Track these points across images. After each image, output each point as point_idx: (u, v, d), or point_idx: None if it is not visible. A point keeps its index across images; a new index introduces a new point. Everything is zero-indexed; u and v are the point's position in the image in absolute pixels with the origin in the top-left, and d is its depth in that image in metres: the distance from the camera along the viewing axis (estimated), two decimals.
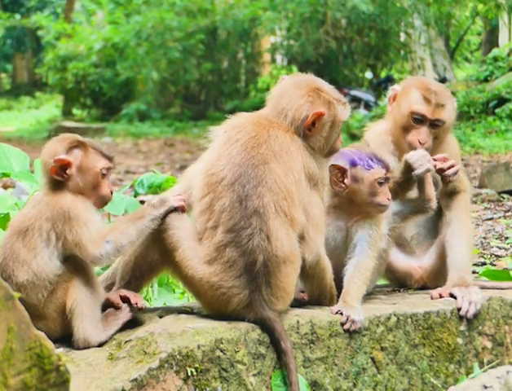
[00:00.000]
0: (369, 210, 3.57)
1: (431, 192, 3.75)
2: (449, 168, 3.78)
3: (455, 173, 3.79)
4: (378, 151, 3.70)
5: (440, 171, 3.79)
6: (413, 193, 3.80)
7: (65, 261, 3.09)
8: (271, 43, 30.20)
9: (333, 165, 3.53)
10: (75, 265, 3.10)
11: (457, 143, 4.14)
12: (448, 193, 3.92)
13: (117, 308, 3.22)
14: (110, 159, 3.29)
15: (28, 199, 4.42)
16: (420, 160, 3.69)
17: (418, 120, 3.88)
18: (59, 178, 3.16)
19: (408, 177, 3.73)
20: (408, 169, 3.71)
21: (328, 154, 3.48)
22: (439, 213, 3.93)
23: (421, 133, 3.87)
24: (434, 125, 3.89)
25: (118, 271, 3.42)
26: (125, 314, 3.21)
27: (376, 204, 3.54)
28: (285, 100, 3.39)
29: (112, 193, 3.28)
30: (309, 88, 3.40)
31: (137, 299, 3.26)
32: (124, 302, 3.25)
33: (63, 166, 3.16)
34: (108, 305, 3.24)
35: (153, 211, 3.20)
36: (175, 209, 3.26)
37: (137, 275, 3.39)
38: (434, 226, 4.00)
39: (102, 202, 3.27)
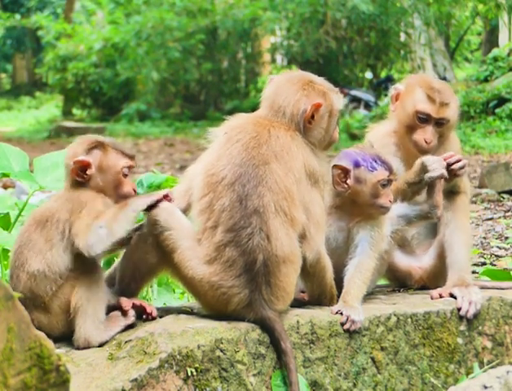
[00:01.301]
0: (371, 211, 3.56)
1: (439, 199, 3.75)
2: (456, 162, 3.79)
3: (462, 167, 3.79)
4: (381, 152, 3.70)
5: (448, 165, 3.78)
6: (421, 197, 3.80)
7: (76, 257, 3.08)
8: (271, 43, 30.19)
9: (336, 165, 3.53)
10: (84, 263, 3.09)
11: (459, 141, 4.15)
12: (449, 193, 3.92)
13: (124, 312, 3.22)
14: (131, 157, 3.29)
15: (28, 198, 4.42)
16: (436, 163, 3.70)
17: (423, 119, 3.88)
18: (80, 179, 3.18)
19: (421, 179, 3.73)
20: (423, 170, 3.71)
21: (328, 146, 3.50)
22: None
23: (427, 132, 3.86)
24: (439, 123, 3.89)
25: (117, 274, 3.40)
26: (128, 318, 3.20)
27: (378, 205, 3.53)
28: (281, 98, 3.40)
29: (135, 192, 3.27)
30: (302, 82, 3.43)
31: (152, 308, 3.27)
32: (137, 311, 3.24)
33: (82, 167, 3.17)
34: (116, 308, 3.23)
35: (138, 200, 3.17)
36: (161, 201, 3.23)
37: (136, 278, 3.36)
38: (435, 227, 4.00)
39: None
